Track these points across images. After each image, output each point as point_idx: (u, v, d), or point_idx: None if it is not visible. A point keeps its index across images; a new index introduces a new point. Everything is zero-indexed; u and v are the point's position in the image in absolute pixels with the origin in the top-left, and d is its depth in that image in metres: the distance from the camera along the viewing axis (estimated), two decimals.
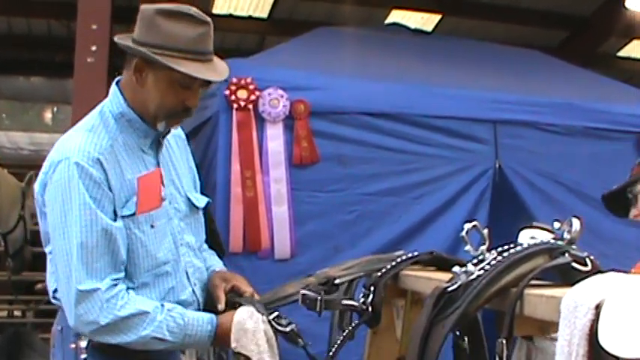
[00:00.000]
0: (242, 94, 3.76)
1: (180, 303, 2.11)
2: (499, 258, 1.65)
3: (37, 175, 2.12)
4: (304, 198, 3.86)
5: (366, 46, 4.83)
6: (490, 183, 4.11)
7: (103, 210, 1.99)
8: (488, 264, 1.63)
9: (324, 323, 2.18)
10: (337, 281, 2.11)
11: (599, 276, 1.47)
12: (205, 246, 2.37)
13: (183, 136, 2.38)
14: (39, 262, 4.39)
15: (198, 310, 2.17)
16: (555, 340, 1.35)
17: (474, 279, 1.61)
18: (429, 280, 1.97)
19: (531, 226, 1.92)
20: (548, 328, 1.66)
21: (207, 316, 2.09)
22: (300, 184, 3.84)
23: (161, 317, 2.01)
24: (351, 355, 2.26)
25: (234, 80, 3.72)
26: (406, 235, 3.94)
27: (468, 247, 1.77)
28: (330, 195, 3.91)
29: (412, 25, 6.91)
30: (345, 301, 2.09)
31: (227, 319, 2.07)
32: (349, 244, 3.86)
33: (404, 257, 2.15)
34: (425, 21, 8.78)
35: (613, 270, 1.51)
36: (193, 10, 2.08)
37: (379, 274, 2.10)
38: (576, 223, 1.72)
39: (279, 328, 2.06)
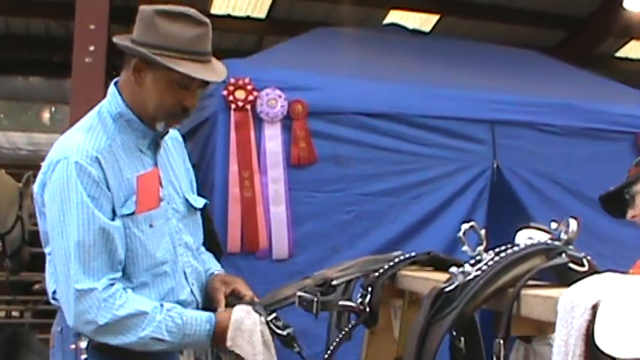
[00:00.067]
0: (240, 94, 3.76)
1: (179, 303, 2.11)
2: (496, 258, 1.65)
3: (35, 175, 2.13)
4: (302, 198, 3.85)
5: (364, 46, 4.83)
6: (488, 183, 4.11)
7: (100, 209, 2.00)
8: (486, 264, 1.63)
9: (323, 323, 2.18)
10: (334, 282, 2.11)
11: (596, 276, 1.47)
12: (203, 248, 2.37)
13: (180, 138, 2.39)
14: (37, 263, 4.40)
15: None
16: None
17: (472, 279, 1.61)
18: (426, 280, 1.97)
19: (529, 227, 1.93)
20: (545, 328, 1.66)
21: (205, 315, 2.09)
22: (297, 184, 3.83)
23: (160, 317, 2.00)
24: (348, 356, 2.26)
25: (232, 80, 3.71)
26: (404, 236, 3.93)
27: (465, 248, 1.77)
28: (327, 195, 3.90)
29: (410, 26, 6.91)
30: (342, 302, 2.08)
31: (225, 317, 2.07)
32: (347, 245, 3.86)
33: (401, 257, 2.15)
34: (423, 21, 8.77)
35: (610, 270, 1.51)
36: (192, 10, 2.09)
37: (377, 274, 2.10)
38: (573, 224, 1.72)
39: (277, 330, 2.05)
